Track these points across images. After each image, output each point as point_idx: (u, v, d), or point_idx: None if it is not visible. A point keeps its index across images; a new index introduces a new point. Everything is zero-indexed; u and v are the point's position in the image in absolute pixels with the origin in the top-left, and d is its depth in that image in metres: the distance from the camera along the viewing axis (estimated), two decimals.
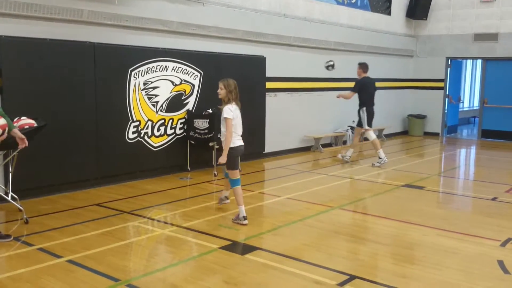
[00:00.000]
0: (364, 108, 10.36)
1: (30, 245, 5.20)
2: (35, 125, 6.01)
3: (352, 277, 4.52)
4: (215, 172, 8.97)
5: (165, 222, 6.21)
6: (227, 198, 6.81)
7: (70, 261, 4.77)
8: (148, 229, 5.93)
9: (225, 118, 6.01)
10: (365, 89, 10.29)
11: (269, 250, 5.20)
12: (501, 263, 4.93)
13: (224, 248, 5.22)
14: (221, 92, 6.04)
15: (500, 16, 14.46)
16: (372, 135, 10.52)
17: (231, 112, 6.02)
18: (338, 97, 10.65)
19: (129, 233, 5.80)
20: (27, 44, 6.91)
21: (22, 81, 6.86)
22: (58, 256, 4.89)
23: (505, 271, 4.75)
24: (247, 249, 5.22)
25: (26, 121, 5.97)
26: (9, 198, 6.07)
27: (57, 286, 4.22)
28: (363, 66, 10.46)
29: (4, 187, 6.35)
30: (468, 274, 4.66)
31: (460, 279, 4.55)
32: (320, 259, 4.97)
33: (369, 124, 10.42)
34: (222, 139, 6.24)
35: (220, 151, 8.96)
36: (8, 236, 5.31)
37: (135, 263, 4.90)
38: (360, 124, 10.46)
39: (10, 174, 6.20)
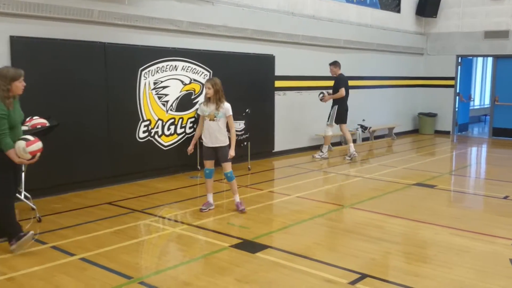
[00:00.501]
0: (337, 106, 10.62)
1: (44, 243, 5.25)
2: (47, 124, 6.06)
3: (363, 276, 4.51)
4: None
5: (176, 221, 6.24)
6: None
7: (83, 259, 4.82)
8: (159, 228, 5.97)
9: (231, 116, 6.47)
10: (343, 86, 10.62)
11: (279, 248, 5.21)
12: None
13: (235, 246, 5.24)
14: (210, 91, 6.35)
15: (510, 13, 14.34)
16: (329, 131, 10.79)
17: None
18: (326, 101, 10.85)
19: (141, 231, 5.84)
20: (39, 44, 6.98)
21: (34, 81, 6.84)
22: (71, 254, 4.94)
23: None
24: (258, 247, 5.23)
25: (38, 121, 6.03)
26: (22, 197, 6.14)
27: (71, 284, 4.26)
28: (338, 64, 10.68)
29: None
30: (480, 273, 4.64)
31: (472, 277, 4.53)
32: (331, 257, 4.97)
33: (338, 121, 10.73)
34: (224, 135, 6.51)
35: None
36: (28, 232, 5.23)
37: (147, 261, 4.93)
38: (339, 120, 10.75)
39: (23, 173, 6.25)
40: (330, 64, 10.70)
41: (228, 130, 6.56)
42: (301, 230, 5.91)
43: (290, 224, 6.09)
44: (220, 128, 6.41)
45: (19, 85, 4.96)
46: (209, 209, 6.58)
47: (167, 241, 5.58)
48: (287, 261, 4.83)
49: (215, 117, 6.37)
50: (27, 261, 4.75)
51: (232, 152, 6.48)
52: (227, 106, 6.40)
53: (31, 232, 5.03)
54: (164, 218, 6.33)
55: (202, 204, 6.64)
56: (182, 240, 5.53)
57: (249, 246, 5.27)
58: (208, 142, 6.49)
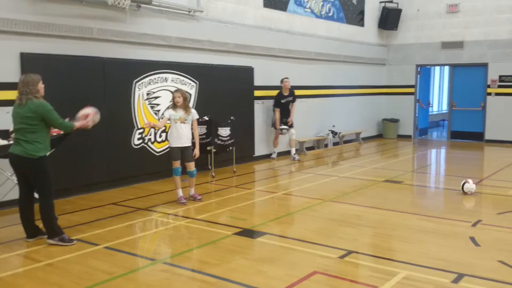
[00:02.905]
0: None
1: None
2: (62, 132, 6.70)
3: (349, 252, 5.38)
4: (213, 174, 9.75)
5: (179, 216, 6.96)
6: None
7: (107, 248, 5.52)
8: (166, 222, 6.70)
9: (196, 120, 7.72)
10: None
11: (276, 234, 6.04)
12: (472, 239, 5.86)
13: (237, 234, 6.03)
14: (180, 100, 7.44)
15: (464, 25, 15.68)
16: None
17: None
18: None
19: (151, 225, 6.57)
20: (45, 59, 7.62)
21: None
22: (95, 244, 5.62)
23: (476, 244, 5.69)
24: (257, 234, 6.04)
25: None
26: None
27: (104, 266, 4.96)
28: None
29: None
30: (445, 247, 5.57)
31: (440, 251, 5.45)
32: (321, 239, 5.82)
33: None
34: (190, 137, 7.62)
35: (217, 154, 9.80)
36: (71, 240, 5.71)
37: (164, 247, 5.69)
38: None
39: None
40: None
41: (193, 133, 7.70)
42: (292, 220, 6.76)
43: (281, 215, 6.93)
44: (188, 130, 7.53)
45: (42, 86, 5.73)
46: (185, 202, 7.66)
47: (177, 231, 6.31)
48: (285, 243, 5.67)
49: (185, 119, 7.47)
50: (58, 251, 5.41)
51: (197, 152, 7.66)
52: (194, 111, 7.64)
53: (75, 242, 5.64)
54: (168, 214, 7.05)
55: (179, 199, 7.59)
56: (190, 230, 6.29)
57: (249, 234, 6.08)
58: (177, 143, 7.52)
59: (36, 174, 5.61)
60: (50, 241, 5.57)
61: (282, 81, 11.83)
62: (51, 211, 5.65)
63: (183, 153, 7.54)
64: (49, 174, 5.65)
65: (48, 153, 5.68)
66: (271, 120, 12.10)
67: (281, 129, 11.78)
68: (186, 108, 7.49)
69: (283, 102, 11.88)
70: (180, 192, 7.65)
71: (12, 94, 7.21)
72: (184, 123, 7.46)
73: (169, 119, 7.48)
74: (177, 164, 7.55)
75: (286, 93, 11.87)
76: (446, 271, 4.84)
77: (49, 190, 5.63)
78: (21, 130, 5.53)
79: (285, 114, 11.91)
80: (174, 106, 7.48)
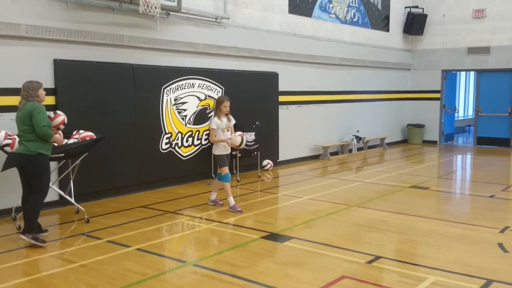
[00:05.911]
0: None
1: (99, 238, 6.07)
2: (95, 137, 6.89)
3: (377, 257, 5.41)
4: (238, 178, 9.86)
5: (206, 219, 7.07)
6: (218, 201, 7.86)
7: (139, 249, 5.65)
8: (194, 225, 6.82)
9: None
10: None
11: (303, 239, 6.09)
12: (500, 245, 5.84)
13: (264, 238, 6.11)
14: (228, 108, 7.50)
15: (491, 30, 15.53)
16: None
17: None
18: None
19: (180, 227, 6.70)
20: (77, 66, 7.84)
21: (73, 99, 7.76)
22: (127, 246, 5.76)
23: (504, 250, 5.67)
24: (284, 238, 6.11)
25: (87, 133, 6.86)
26: (73, 200, 6.94)
27: (136, 267, 5.09)
28: None
29: (62, 193, 7.14)
30: (474, 254, 5.56)
31: (468, 257, 5.45)
32: (349, 245, 5.86)
33: None
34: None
35: (242, 158, 9.95)
36: (43, 241, 5.87)
37: (194, 250, 5.81)
38: None
39: (72, 181, 7.07)
40: None
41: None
42: (318, 224, 6.81)
43: (307, 220, 6.98)
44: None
45: (43, 92, 5.95)
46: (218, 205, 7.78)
47: (205, 234, 6.43)
48: (312, 248, 5.72)
49: (229, 127, 7.58)
50: (91, 252, 5.57)
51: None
52: (231, 117, 7.63)
53: (46, 244, 5.81)
54: (195, 217, 7.17)
55: (234, 207, 7.44)
56: (217, 233, 6.39)
57: (277, 238, 6.15)
58: (225, 151, 7.58)
59: (33, 170, 5.80)
60: (23, 237, 5.76)
61: None
62: (38, 208, 5.88)
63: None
64: (45, 172, 5.90)
65: (46, 152, 5.83)
66: None
67: None
68: (228, 116, 7.56)
69: None
70: (232, 200, 7.52)
71: (47, 99, 7.47)
72: (228, 130, 7.55)
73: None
74: (227, 169, 7.57)
75: None
76: (474, 277, 4.84)
77: (42, 188, 5.87)
78: (22, 131, 5.78)
79: None
80: (222, 114, 7.47)
